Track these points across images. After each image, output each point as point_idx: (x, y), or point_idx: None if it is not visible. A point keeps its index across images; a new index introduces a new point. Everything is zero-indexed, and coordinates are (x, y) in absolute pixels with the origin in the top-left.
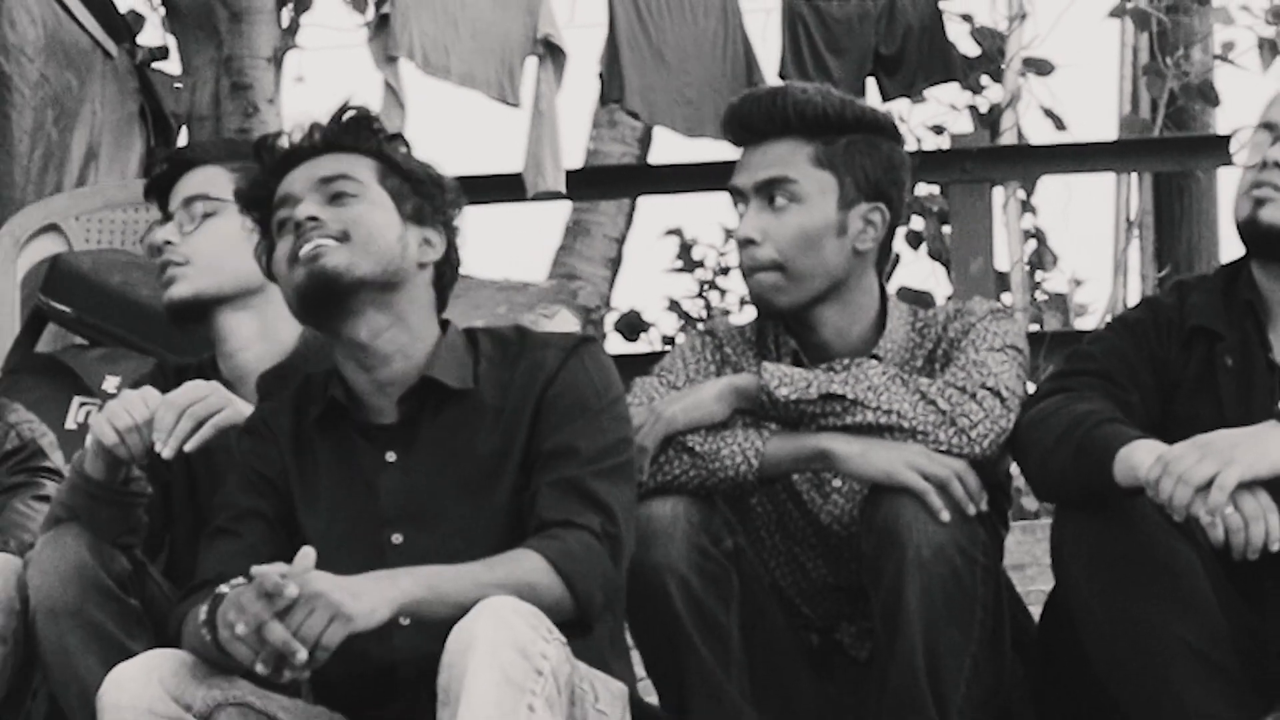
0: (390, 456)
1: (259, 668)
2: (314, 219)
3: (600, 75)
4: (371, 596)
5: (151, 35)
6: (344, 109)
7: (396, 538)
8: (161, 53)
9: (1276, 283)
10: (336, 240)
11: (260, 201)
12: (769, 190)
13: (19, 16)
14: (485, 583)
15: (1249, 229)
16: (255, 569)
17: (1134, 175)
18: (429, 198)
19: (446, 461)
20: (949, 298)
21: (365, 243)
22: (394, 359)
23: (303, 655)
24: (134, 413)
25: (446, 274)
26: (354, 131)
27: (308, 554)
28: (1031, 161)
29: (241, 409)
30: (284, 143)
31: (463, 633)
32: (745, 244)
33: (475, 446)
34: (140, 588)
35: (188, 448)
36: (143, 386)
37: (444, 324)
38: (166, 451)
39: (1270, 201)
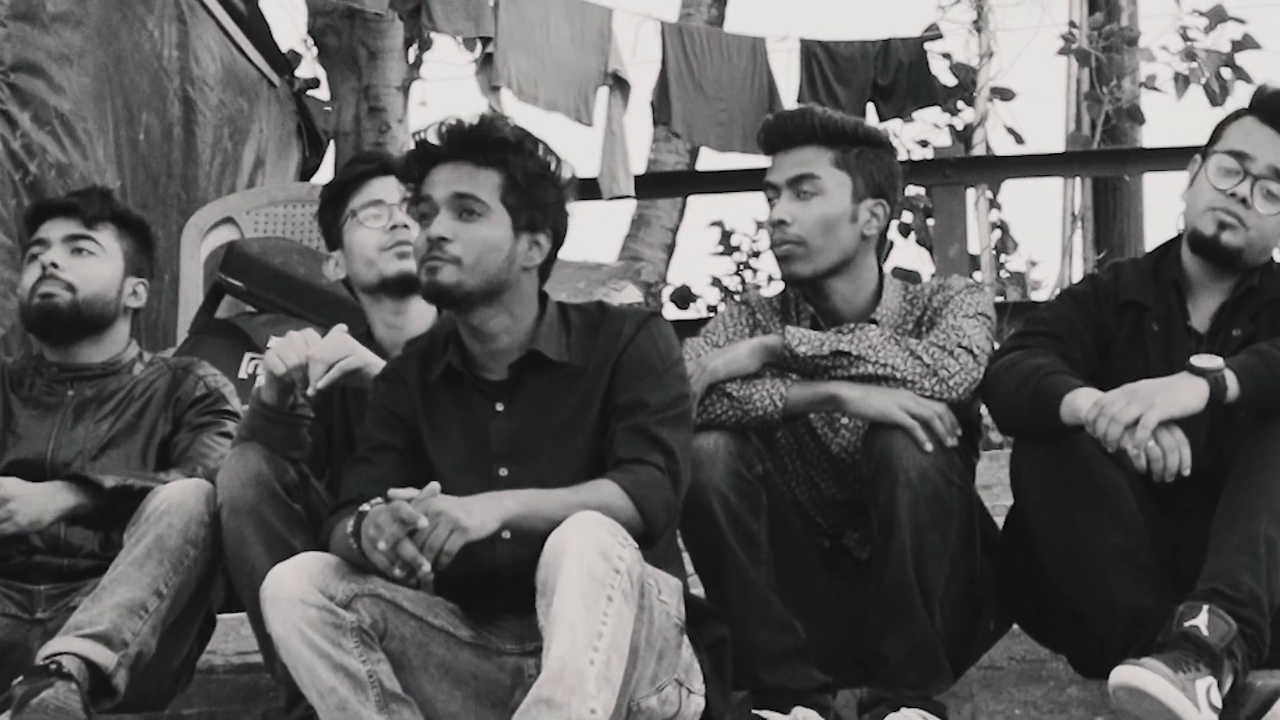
0: (499, 407)
1: (395, 573)
2: (443, 239)
3: (651, 104)
4: (482, 512)
5: (306, 69)
6: (484, 121)
7: (503, 471)
8: (314, 83)
9: (1200, 268)
10: (449, 261)
11: (413, 177)
12: (799, 184)
13: (202, 54)
14: (572, 503)
15: (1210, 244)
16: (392, 492)
17: (1077, 179)
18: (543, 206)
19: (543, 412)
20: (933, 275)
21: (474, 264)
22: (501, 338)
23: (427, 567)
24: (297, 351)
25: (550, 264)
26: (490, 149)
27: (434, 487)
28: (997, 169)
29: (365, 356)
30: (433, 137)
31: (557, 540)
32: (778, 224)
33: (565, 400)
34: (304, 496)
35: (320, 385)
36: (306, 330)
37: (543, 299)
38: (310, 391)
39: (1231, 228)
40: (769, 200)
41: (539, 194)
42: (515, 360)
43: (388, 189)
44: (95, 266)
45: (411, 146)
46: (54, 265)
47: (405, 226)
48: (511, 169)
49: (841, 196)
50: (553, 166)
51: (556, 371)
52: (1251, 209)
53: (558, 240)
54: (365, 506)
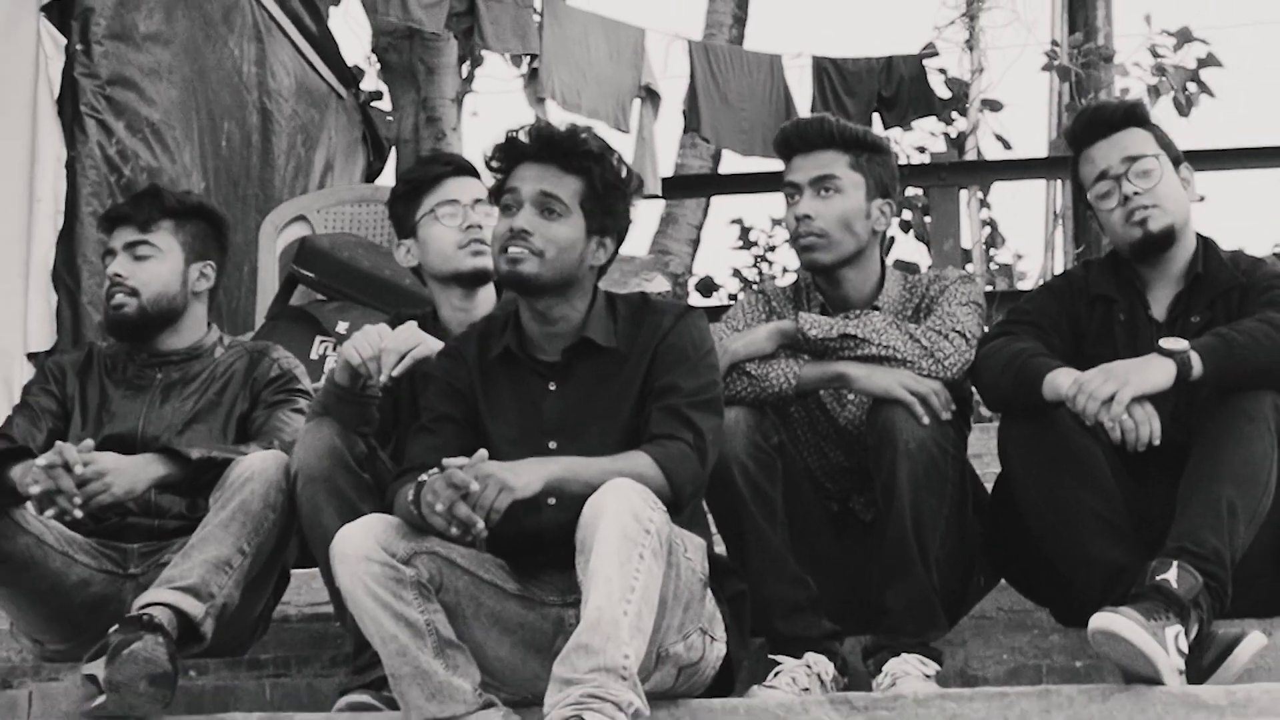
0: (552, 386)
1: (452, 533)
2: (526, 231)
3: (683, 112)
4: (527, 474)
5: (370, 83)
6: (573, 132)
7: (552, 444)
8: (377, 95)
9: (1148, 267)
10: (534, 253)
11: (496, 168)
12: (821, 183)
13: (277, 70)
14: (609, 470)
15: (1146, 242)
16: (445, 461)
17: (1059, 181)
18: (613, 213)
19: (591, 393)
20: (929, 267)
21: (554, 260)
22: (560, 324)
23: (481, 525)
24: (371, 344)
25: (610, 263)
26: (576, 157)
27: (483, 454)
28: (987, 172)
29: (432, 345)
30: (525, 138)
31: (594, 503)
32: (803, 219)
33: (610, 383)
34: (372, 466)
35: (395, 373)
36: (380, 324)
37: (594, 290)
38: (383, 379)
39: (1150, 216)
40: (789, 198)
41: (612, 202)
42: (568, 345)
43: (461, 189)
44: (154, 268)
45: (496, 144)
46: (118, 275)
47: (479, 226)
48: (592, 178)
49: (857, 195)
50: (624, 176)
51: (603, 356)
52: (1143, 192)
53: (620, 243)
54: (423, 477)
